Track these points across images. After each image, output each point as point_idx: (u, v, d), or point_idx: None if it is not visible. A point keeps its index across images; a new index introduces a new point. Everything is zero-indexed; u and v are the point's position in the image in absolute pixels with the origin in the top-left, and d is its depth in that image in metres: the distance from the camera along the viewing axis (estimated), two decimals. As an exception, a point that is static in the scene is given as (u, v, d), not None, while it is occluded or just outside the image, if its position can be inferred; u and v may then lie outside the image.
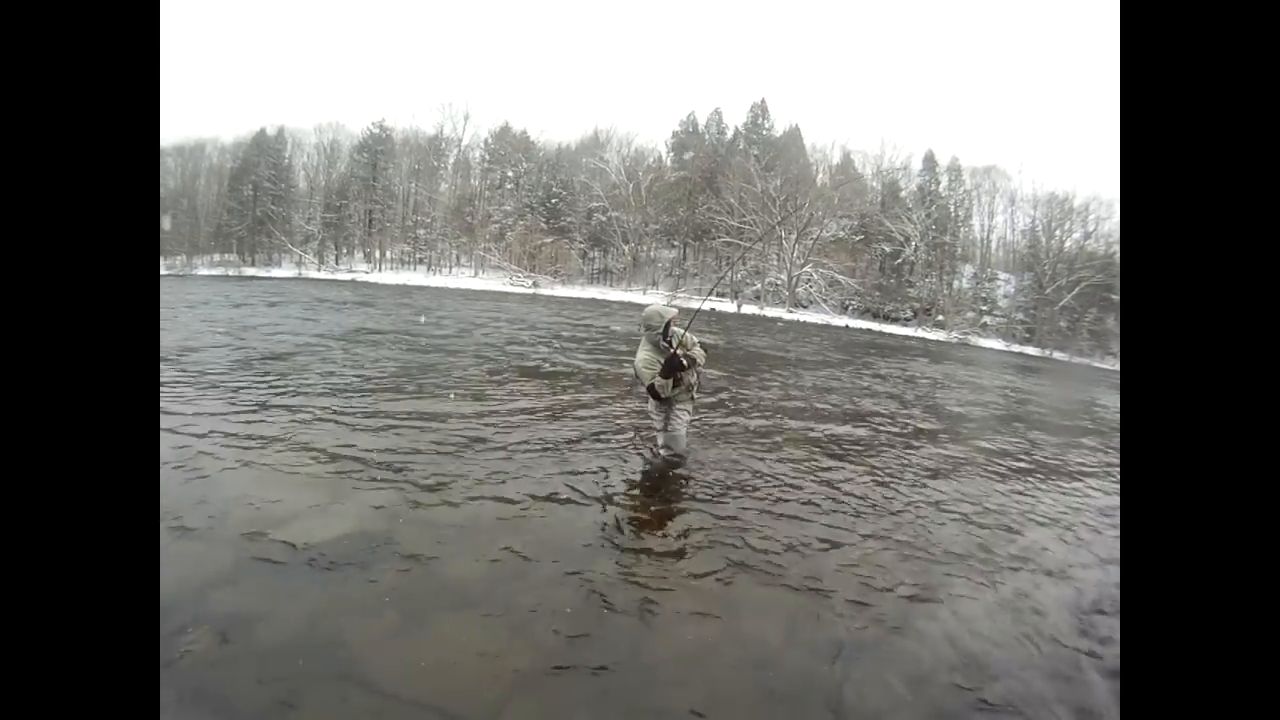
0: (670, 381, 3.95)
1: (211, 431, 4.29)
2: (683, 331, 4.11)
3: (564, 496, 3.53)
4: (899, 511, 3.91)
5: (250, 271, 40.27)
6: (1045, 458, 6.10)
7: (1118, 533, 3.71)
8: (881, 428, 6.28)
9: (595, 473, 4.01)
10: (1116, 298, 37.05)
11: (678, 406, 4.22)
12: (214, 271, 39.20)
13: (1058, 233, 39.32)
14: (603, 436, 4.90)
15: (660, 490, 3.89)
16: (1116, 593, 3.12)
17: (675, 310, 4.19)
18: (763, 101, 44.27)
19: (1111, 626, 2.74)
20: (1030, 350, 34.28)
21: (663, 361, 3.97)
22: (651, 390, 4.01)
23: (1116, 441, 6.90)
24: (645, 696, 1.97)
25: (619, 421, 5.41)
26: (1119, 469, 4.41)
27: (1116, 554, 3.36)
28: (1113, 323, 37.17)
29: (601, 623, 2.33)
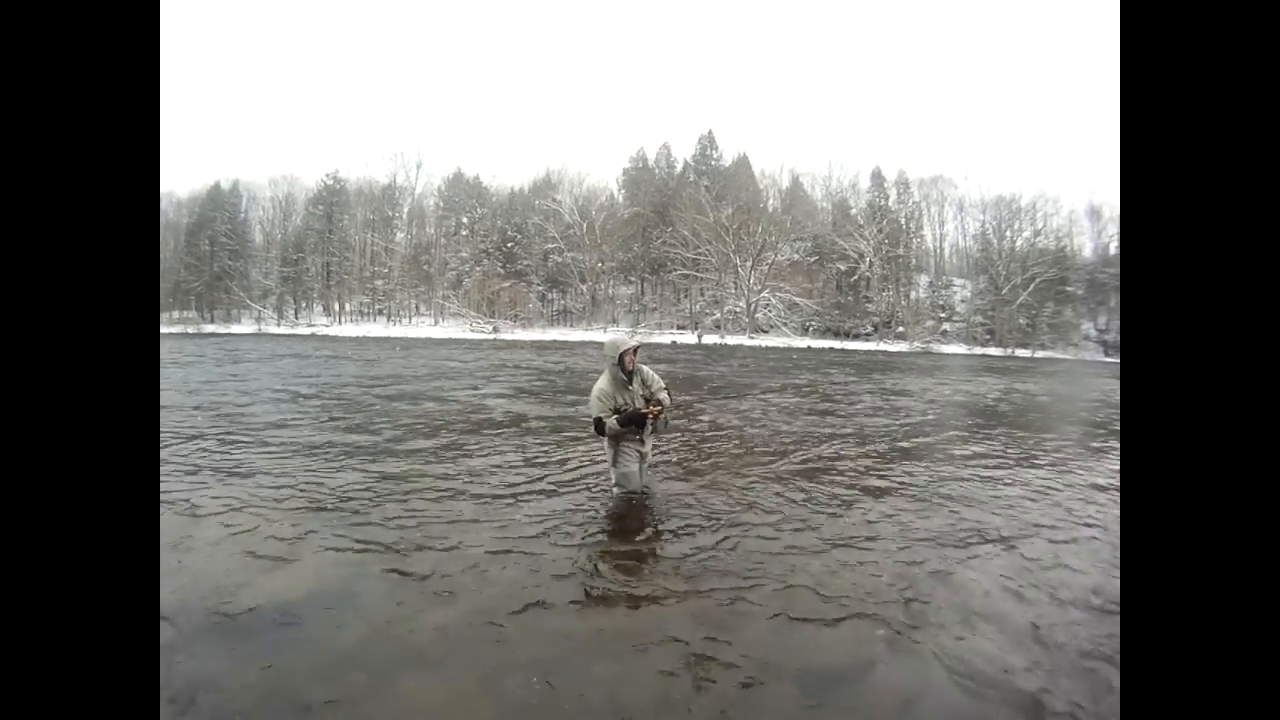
0: (621, 426, 3.84)
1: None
2: (647, 369, 4.02)
3: (523, 545, 3.44)
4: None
5: (210, 328, 39.77)
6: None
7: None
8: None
9: (554, 517, 3.88)
10: (1072, 289, 38.09)
11: (625, 443, 4.02)
12: (173, 329, 38.50)
13: (1008, 233, 40.41)
14: (560, 479, 4.81)
15: (617, 530, 3.75)
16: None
17: (636, 341, 4.05)
18: (710, 133, 45.19)
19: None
20: (992, 351, 34.98)
21: (618, 400, 3.88)
22: (597, 424, 3.85)
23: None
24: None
25: (576, 462, 5.35)
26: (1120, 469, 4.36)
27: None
28: (1071, 314, 38.14)
29: (568, 673, 2.28)
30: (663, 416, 4.01)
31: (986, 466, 5.71)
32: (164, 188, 44.77)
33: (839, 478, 5.08)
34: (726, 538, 3.65)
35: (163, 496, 4.01)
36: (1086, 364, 28.64)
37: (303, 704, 2.05)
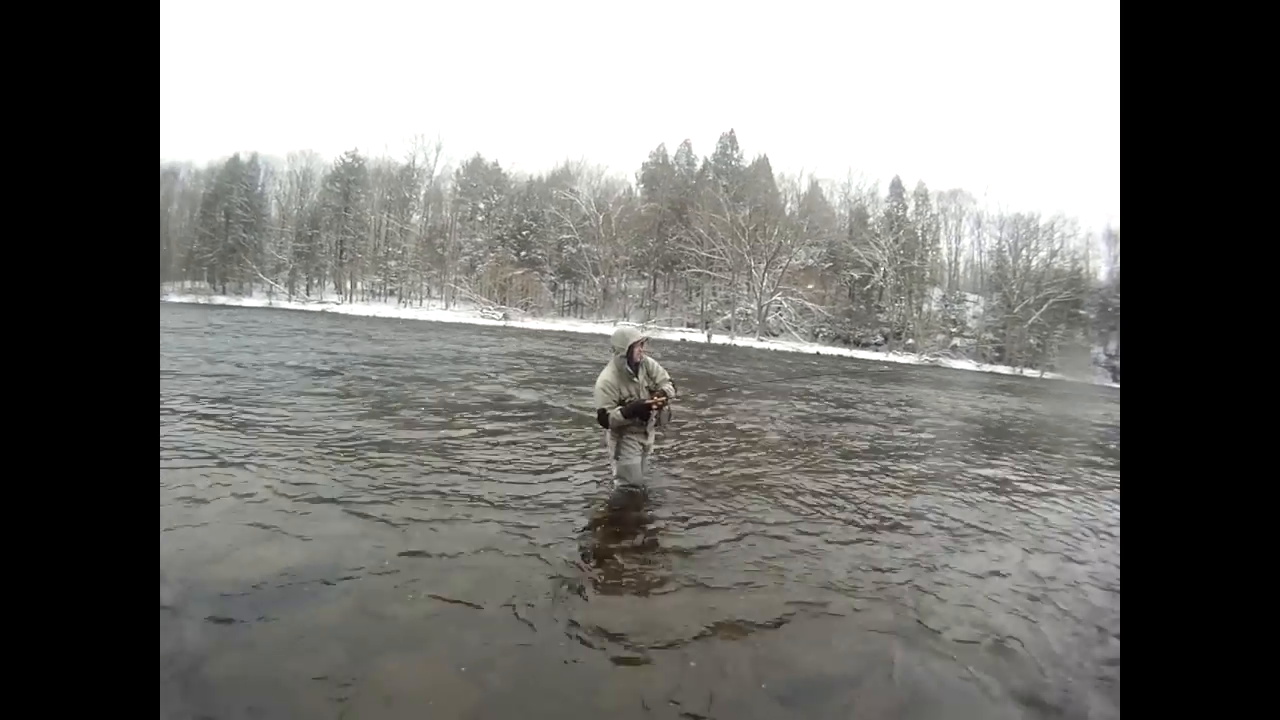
0: (625, 418, 3.83)
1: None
2: (653, 361, 4.01)
3: (521, 535, 3.39)
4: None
5: (220, 300, 40.02)
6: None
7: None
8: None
9: (555, 508, 3.84)
10: (1084, 313, 37.90)
11: (629, 435, 4.00)
12: (184, 299, 38.85)
13: (1024, 252, 40.13)
14: (559, 468, 4.76)
15: (616, 524, 3.70)
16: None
17: (643, 333, 4.05)
18: (731, 132, 45.03)
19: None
20: (1001, 369, 34.83)
21: (623, 392, 3.87)
22: (601, 415, 3.86)
23: None
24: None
25: (581, 454, 5.32)
26: (1119, 471, 4.37)
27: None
28: (1082, 338, 37.96)
29: (552, 664, 2.26)
30: (666, 408, 3.97)
31: (1003, 483, 5.65)
32: (182, 158, 45.14)
33: (854, 486, 5.01)
34: (731, 536, 3.60)
35: (171, 469, 4.01)
36: (1095, 388, 28.54)
37: (281, 679, 2.03)
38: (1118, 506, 5.17)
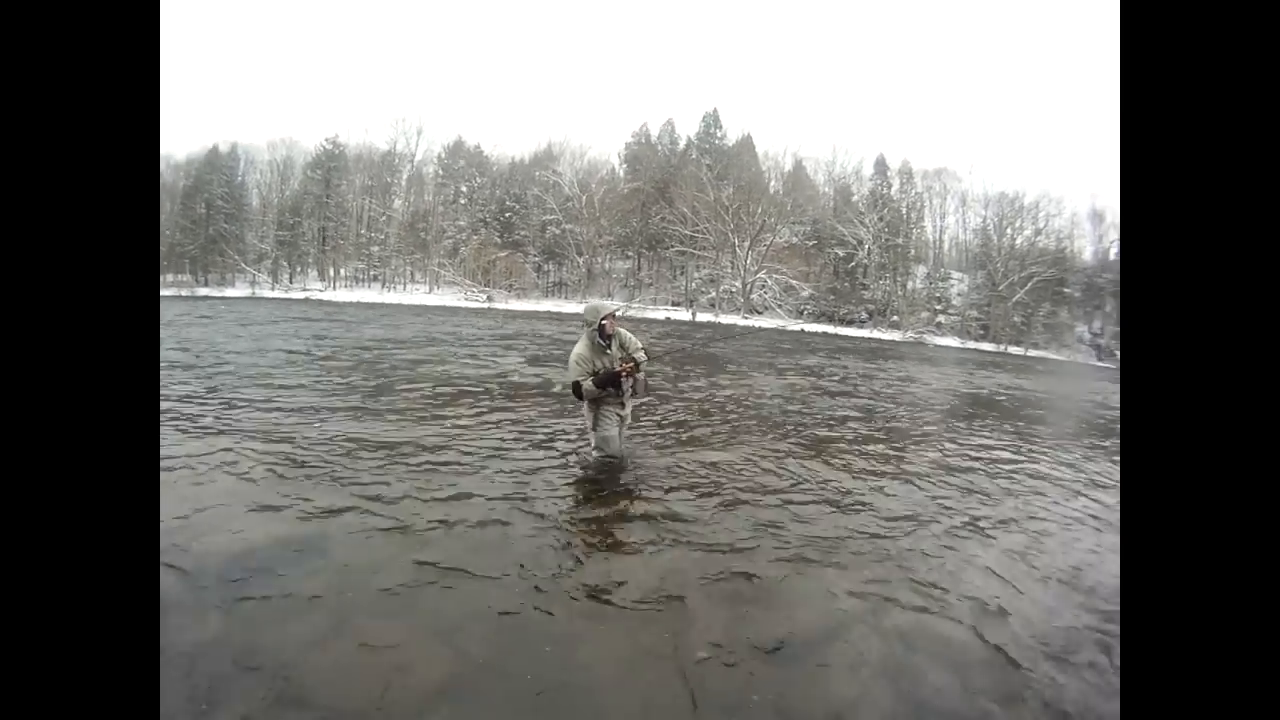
0: (598, 388, 3.88)
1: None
2: (626, 332, 4.07)
3: (496, 506, 3.44)
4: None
5: (204, 291, 39.55)
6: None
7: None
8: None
9: (531, 478, 3.90)
10: (1069, 291, 38.11)
11: (605, 407, 4.08)
12: (167, 293, 38.26)
13: (1009, 230, 40.17)
14: (542, 441, 4.83)
15: (594, 495, 3.77)
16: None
17: (614, 305, 4.09)
18: (715, 111, 44.53)
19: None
20: (985, 346, 34.98)
21: (596, 364, 3.91)
22: (575, 388, 3.92)
23: None
24: (577, 703, 1.94)
25: (558, 426, 5.37)
26: (1119, 469, 4.38)
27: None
28: (1066, 316, 38.20)
29: (530, 630, 2.29)
30: (640, 377, 4.04)
31: (994, 452, 5.83)
32: (161, 151, 44.35)
33: (850, 455, 5.10)
34: (720, 502, 3.68)
35: (168, 448, 4.07)
36: (1080, 365, 28.91)
37: (265, 646, 2.08)
38: (1110, 485, 5.26)
